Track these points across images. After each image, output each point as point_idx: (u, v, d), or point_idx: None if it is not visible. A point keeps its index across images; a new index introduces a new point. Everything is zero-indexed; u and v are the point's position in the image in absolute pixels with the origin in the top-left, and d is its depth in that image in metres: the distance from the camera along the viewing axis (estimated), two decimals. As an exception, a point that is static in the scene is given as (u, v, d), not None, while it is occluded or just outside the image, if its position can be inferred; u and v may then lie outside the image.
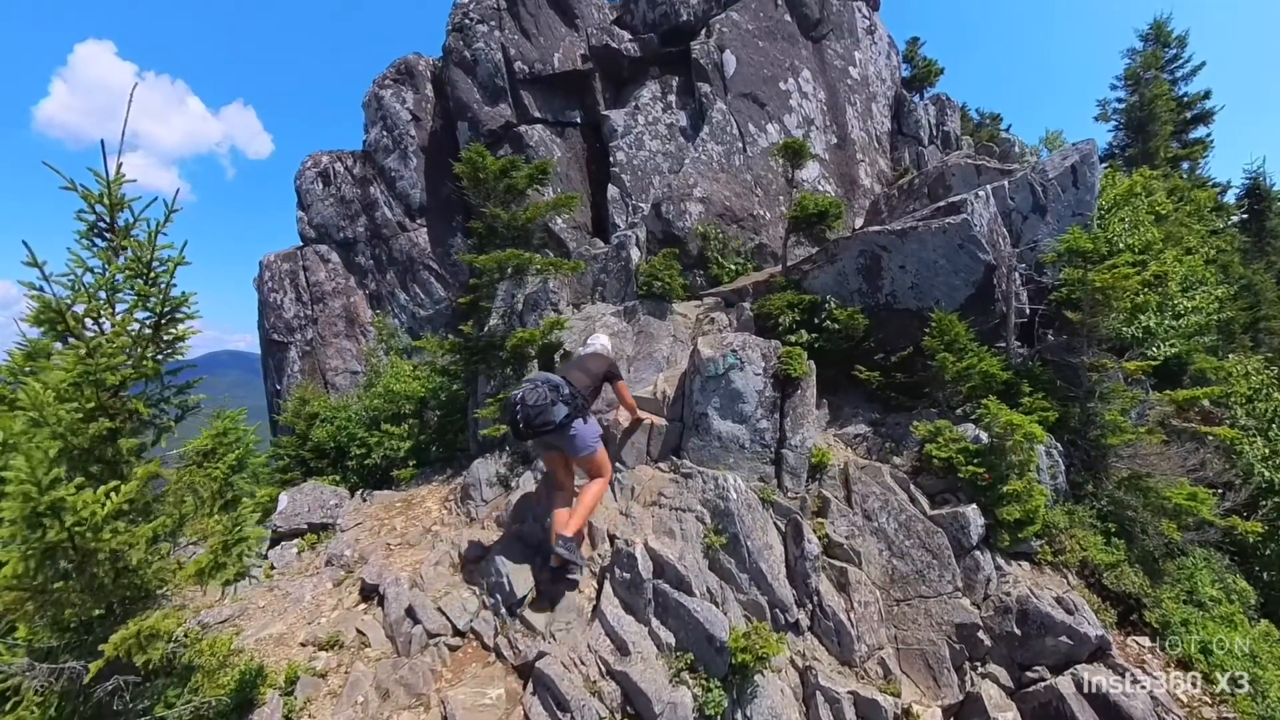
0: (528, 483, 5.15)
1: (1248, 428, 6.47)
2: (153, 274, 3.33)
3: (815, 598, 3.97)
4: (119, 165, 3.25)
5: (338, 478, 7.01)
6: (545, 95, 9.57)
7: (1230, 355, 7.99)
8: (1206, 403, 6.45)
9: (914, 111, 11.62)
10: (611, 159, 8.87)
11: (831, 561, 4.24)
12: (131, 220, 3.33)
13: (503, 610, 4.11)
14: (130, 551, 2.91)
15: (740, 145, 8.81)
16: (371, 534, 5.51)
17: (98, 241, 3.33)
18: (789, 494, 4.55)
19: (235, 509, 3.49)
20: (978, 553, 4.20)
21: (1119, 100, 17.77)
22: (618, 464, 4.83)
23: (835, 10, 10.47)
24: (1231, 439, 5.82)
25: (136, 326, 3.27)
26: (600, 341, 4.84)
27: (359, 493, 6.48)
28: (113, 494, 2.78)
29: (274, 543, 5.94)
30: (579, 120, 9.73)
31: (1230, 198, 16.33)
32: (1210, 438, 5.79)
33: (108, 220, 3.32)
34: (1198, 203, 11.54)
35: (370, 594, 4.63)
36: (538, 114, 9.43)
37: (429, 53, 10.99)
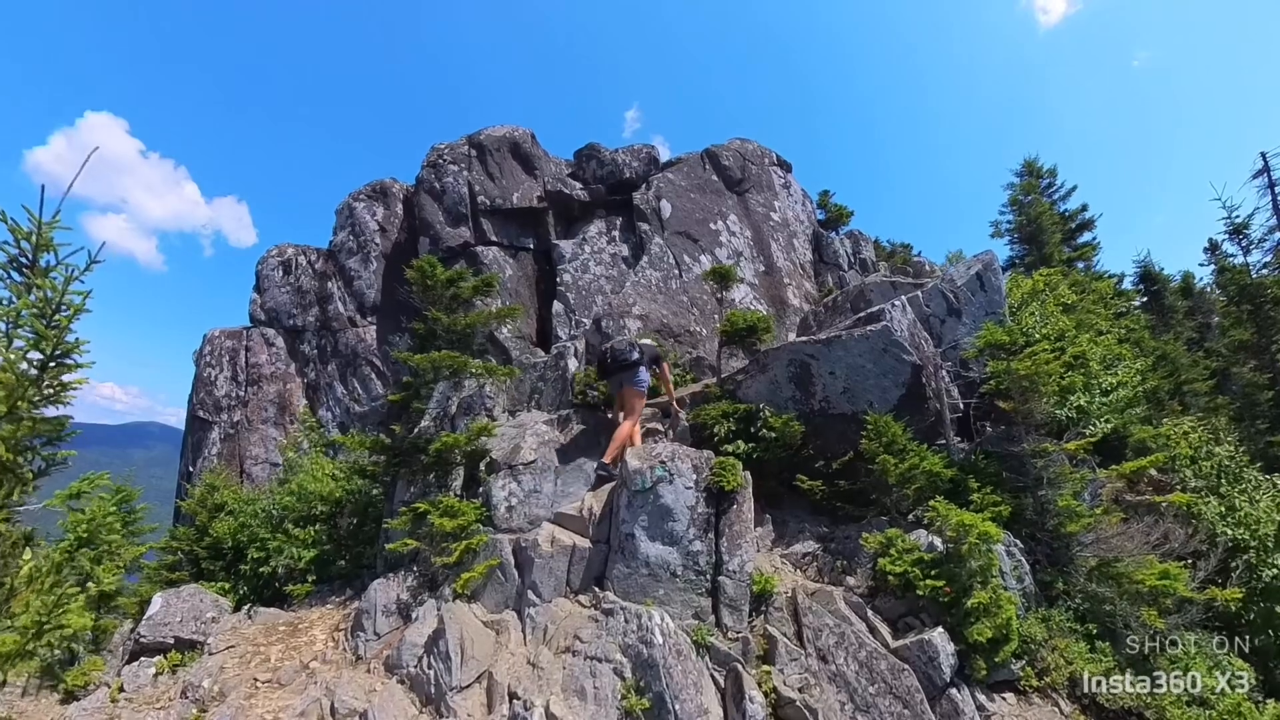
0: (429, 615, 4.14)
1: (1198, 489, 6.06)
2: (57, 317, 3.01)
3: (766, 778, 2.99)
4: (57, 212, 3.04)
5: (227, 585, 5.66)
6: (503, 224, 10.07)
7: (1165, 421, 7.60)
8: (1154, 471, 6.04)
9: (832, 244, 12.34)
10: (559, 279, 9.13)
11: (784, 723, 3.29)
12: (54, 263, 3.07)
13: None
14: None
15: (677, 272, 9.03)
16: (242, 663, 4.35)
17: (14, 275, 3.04)
18: (729, 633, 3.67)
19: (67, 586, 2.78)
20: (954, 690, 3.33)
21: (1009, 221, 19.20)
22: (531, 597, 4.04)
23: (754, 173, 11.58)
24: (1187, 503, 5.39)
25: (25, 366, 2.87)
26: (645, 341, 5.80)
27: (246, 607, 5.19)
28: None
29: (133, 656, 4.61)
30: (531, 246, 10.19)
31: (1127, 284, 17.07)
32: (1166, 505, 5.32)
33: (30, 258, 3.05)
34: (1099, 292, 11.86)
35: (216, 746, 3.48)
36: (494, 238, 9.87)
37: (403, 179, 11.57)
